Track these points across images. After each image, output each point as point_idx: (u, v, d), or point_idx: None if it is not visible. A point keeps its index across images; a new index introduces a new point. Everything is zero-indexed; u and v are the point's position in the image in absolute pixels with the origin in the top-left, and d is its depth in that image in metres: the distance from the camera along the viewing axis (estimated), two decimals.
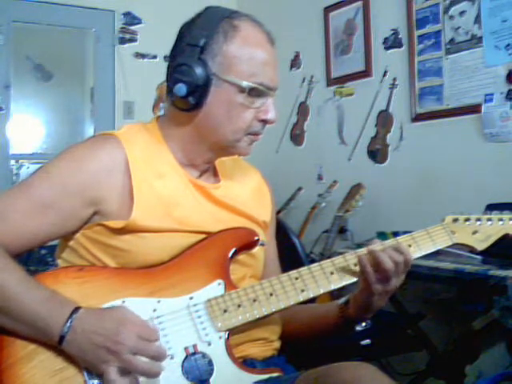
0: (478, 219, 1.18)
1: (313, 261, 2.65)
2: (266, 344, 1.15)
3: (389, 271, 1.07)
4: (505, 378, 1.75)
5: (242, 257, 1.15)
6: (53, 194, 1.05)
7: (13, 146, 3.37)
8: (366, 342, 1.32)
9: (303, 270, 1.10)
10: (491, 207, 2.06)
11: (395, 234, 2.25)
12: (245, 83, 1.08)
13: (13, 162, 3.37)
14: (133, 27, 3.60)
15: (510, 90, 2.25)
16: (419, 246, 1.14)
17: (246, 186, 1.27)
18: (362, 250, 1.11)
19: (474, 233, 1.17)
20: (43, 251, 3.08)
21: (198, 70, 1.08)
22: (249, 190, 1.27)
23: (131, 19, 3.60)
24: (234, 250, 1.11)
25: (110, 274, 1.06)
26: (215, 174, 1.24)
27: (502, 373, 1.82)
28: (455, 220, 1.19)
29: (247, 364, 1.07)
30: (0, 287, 0.97)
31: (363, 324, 1.19)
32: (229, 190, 1.21)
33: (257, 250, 1.16)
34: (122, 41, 3.58)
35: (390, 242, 1.13)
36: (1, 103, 3.30)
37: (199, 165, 1.18)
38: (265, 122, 1.13)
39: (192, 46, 1.10)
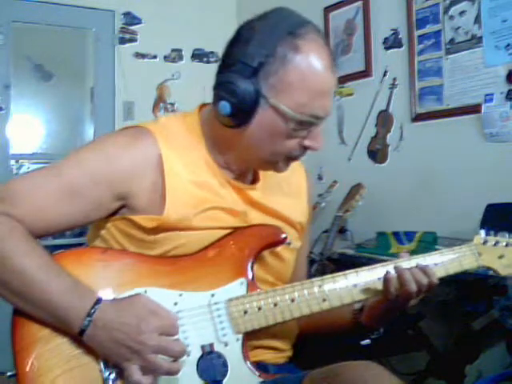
0: (507, 244, 1.16)
1: (313, 261, 2.66)
2: (278, 352, 1.15)
3: (412, 294, 1.06)
4: (505, 378, 1.75)
5: (269, 259, 1.13)
6: (81, 182, 1.04)
7: (13, 146, 3.36)
8: (366, 342, 1.32)
9: (327, 277, 1.07)
10: (491, 207, 2.06)
11: (395, 234, 2.26)
12: (294, 114, 1.02)
13: (13, 162, 3.37)
14: (133, 27, 3.60)
15: (510, 90, 2.25)
16: (445, 266, 1.12)
17: (286, 185, 1.23)
18: (389, 265, 1.09)
19: (501, 257, 1.15)
20: None
21: (247, 92, 1.01)
22: (288, 189, 1.23)
23: (131, 19, 3.59)
24: (259, 248, 1.09)
25: (134, 260, 1.05)
26: (254, 172, 1.20)
27: (501, 373, 1.82)
28: (485, 242, 1.17)
29: (260, 367, 1.06)
30: (22, 273, 0.95)
31: (375, 332, 1.20)
32: (266, 191, 1.18)
33: (281, 249, 1.14)
34: (122, 41, 3.58)
35: (418, 258, 1.11)
36: (1, 103, 3.30)
37: (235, 170, 1.15)
38: (308, 148, 1.08)
39: (245, 65, 1.01)
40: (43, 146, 3.57)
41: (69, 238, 2.84)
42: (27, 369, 0.94)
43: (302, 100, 1.01)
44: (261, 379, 1.02)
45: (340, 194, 2.71)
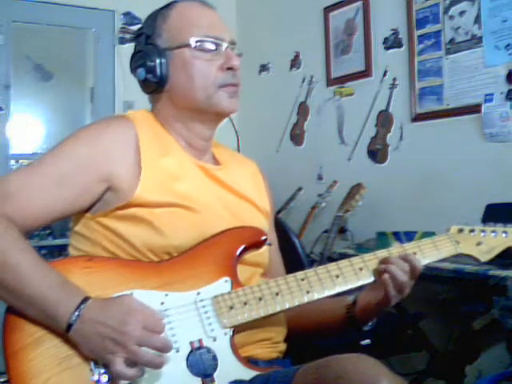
0: (483, 231, 1.20)
1: (313, 261, 2.66)
2: (270, 345, 1.16)
3: (403, 283, 1.10)
4: (505, 377, 1.75)
5: (249, 255, 1.15)
6: (68, 169, 1.08)
7: (13, 146, 3.37)
8: (366, 341, 1.32)
9: (309, 271, 1.11)
10: (491, 207, 2.06)
11: (395, 234, 2.26)
12: (190, 40, 1.16)
13: (13, 162, 3.37)
14: (133, 27, 3.60)
15: (510, 90, 2.25)
16: (424, 255, 1.16)
17: (245, 174, 1.30)
18: (368, 257, 1.13)
19: (478, 244, 1.19)
20: (43, 251, 3.08)
21: (149, 51, 1.17)
22: (247, 177, 1.31)
23: (131, 19, 3.60)
24: (241, 248, 1.12)
25: (119, 266, 1.07)
26: (215, 159, 1.28)
27: (501, 373, 1.82)
28: (460, 230, 1.21)
29: (251, 363, 1.07)
30: (15, 268, 0.98)
31: (369, 324, 1.21)
32: (229, 174, 1.25)
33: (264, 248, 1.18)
34: (122, 41, 3.58)
35: (396, 249, 1.15)
36: (1, 103, 3.30)
37: (198, 145, 1.22)
38: (230, 69, 1.17)
39: (139, 37, 1.22)
40: (43, 146, 3.58)
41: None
42: (19, 373, 0.95)
43: (190, 30, 1.17)
44: (252, 371, 1.03)
45: (340, 194, 2.71)
